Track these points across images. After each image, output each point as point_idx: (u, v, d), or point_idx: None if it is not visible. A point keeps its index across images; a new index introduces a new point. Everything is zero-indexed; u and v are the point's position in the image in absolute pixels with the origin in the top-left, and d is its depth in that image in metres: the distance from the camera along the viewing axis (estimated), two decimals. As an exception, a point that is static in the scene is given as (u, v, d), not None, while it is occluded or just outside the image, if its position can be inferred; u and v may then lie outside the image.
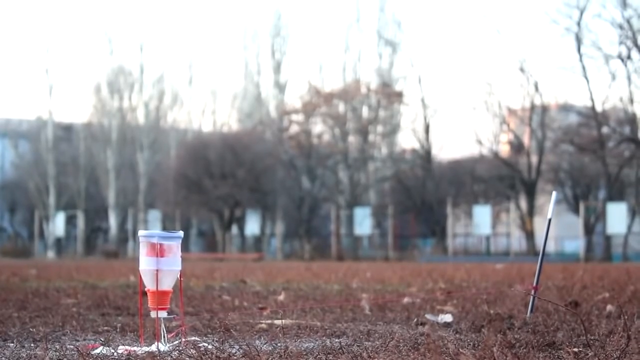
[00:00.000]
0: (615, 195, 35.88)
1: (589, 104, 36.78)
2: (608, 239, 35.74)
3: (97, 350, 2.22)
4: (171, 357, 2.09)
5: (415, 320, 2.93)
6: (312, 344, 2.44)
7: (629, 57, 35.59)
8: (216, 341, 2.36)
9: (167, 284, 2.29)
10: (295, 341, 2.51)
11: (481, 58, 59.97)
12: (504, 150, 40.63)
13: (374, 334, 2.69)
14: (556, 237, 40.46)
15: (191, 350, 2.10)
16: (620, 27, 35.40)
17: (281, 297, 4.68)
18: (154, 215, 41.74)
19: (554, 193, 2.97)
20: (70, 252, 43.60)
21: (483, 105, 40.05)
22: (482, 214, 36.10)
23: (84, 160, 45.80)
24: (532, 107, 38.30)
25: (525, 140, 39.32)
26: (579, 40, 35.81)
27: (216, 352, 2.09)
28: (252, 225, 40.71)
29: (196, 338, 2.44)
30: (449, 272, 10.41)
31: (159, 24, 65.25)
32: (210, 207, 38.79)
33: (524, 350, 2.18)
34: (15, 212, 50.31)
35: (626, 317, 2.59)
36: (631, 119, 36.47)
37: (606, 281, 7.02)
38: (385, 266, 16.68)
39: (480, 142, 39.17)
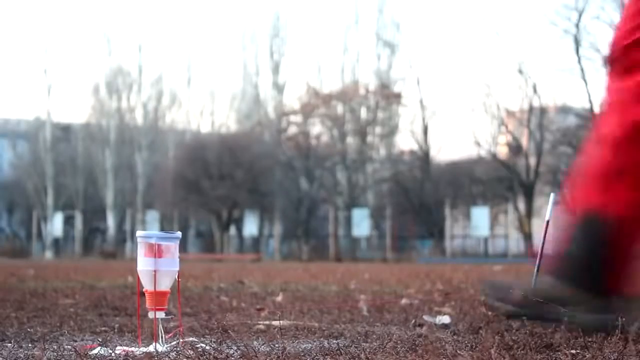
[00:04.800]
0: (613, 197, 35.90)
1: (588, 105, 36.83)
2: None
3: (95, 351, 2.22)
4: (169, 357, 2.09)
5: (413, 321, 2.94)
6: (310, 345, 2.44)
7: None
8: (214, 342, 2.36)
9: (165, 285, 2.29)
10: (293, 342, 2.51)
11: (479, 60, 60.06)
12: (502, 151, 40.67)
13: (372, 335, 2.69)
14: (554, 238, 40.39)
15: (189, 351, 2.10)
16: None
17: (279, 298, 4.69)
18: (152, 216, 41.74)
19: (552, 195, 2.98)
20: (68, 253, 43.60)
21: (481, 106, 40.16)
22: (480, 215, 36.12)
23: (82, 160, 45.80)
24: (531, 109, 38.34)
25: (524, 142, 39.37)
26: (577, 42, 35.86)
27: (214, 353, 2.09)
28: (250, 226, 40.73)
29: (194, 339, 2.44)
30: (447, 273, 10.42)
31: (157, 25, 65.29)
32: (209, 208, 38.81)
33: (522, 352, 2.19)
34: (13, 212, 50.30)
35: (624, 319, 2.59)
36: (629, 121, 36.47)
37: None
38: (384, 267, 16.69)
39: (478, 144, 39.21)
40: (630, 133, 2.55)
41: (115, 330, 2.87)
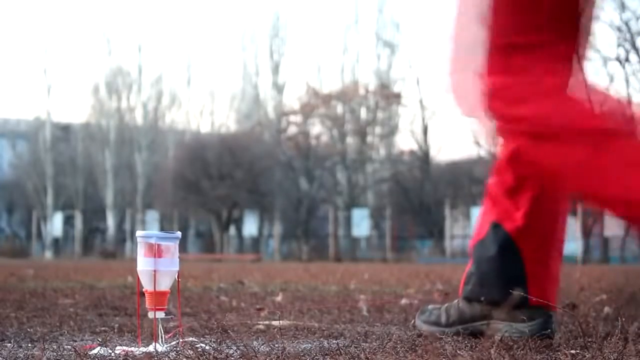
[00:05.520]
0: (613, 197, 35.88)
1: (587, 106, 36.79)
2: (606, 241, 35.76)
3: (95, 351, 2.22)
4: (168, 357, 2.09)
5: (413, 321, 2.94)
6: (310, 345, 2.44)
7: (627, 59, 35.63)
8: (214, 342, 2.36)
9: (165, 285, 2.28)
10: (292, 342, 2.51)
11: (479, 60, 59.87)
12: (502, 152, 40.61)
13: (372, 336, 2.69)
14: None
15: (189, 351, 2.10)
16: (619, 29, 35.46)
17: (279, 298, 4.69)
18: (152, 216, 41.74)
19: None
20: (68, 253, 43.60)
21: (481, 107, 39.94)
22: (480, 215, 36.09)
23: (82, 160, 45.79)
24: (530, 109, 38.32)
25: (524, 142, 39.34)
26: (577, 43, 35.81)
27: (214, 353, 2.09)
28: (250, 226, 40.72)
29: (194, 339, 2.44)
30: (447, 273, 10.43)
31: (157, 25, 65.31)
32: (208, 207, 38.80)
33: (522, 352, 2.19)
34: (13, 212, 50.31)
35: (624, 319, 2.59)
36: (629, 121, 36.49)
37: (604, 283, 7.03)
38: (383, 267, 16.69)
39: (478, 144, 39.21)
40: (508, 158, 2.74)
41: (115, 330, 2.87)
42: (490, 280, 2.69)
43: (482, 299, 2.69)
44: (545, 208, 2.70)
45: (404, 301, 4.49)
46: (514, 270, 2.65)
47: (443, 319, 2.77)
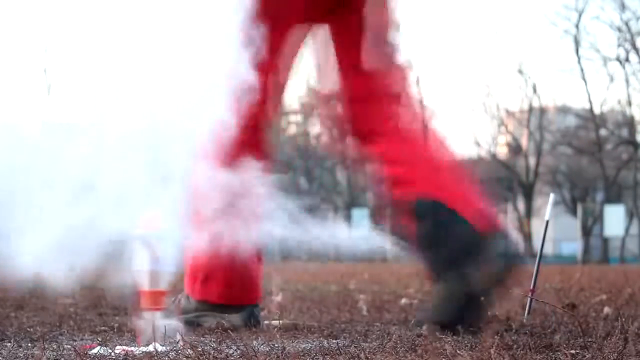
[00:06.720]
0: (613, 197, 35.91)
1: (587, 106, 36.82)
2: (605, 241, 35.76)
3: (95, 350, 2.22)
4: (168, 357, 2.09)
5: (413, 321, 2.94)
6: (310, 344, 2.44)
7: (627, 59, 35.64)
8: (214, 342, 2.36)
9: (163, 284, 2.29)
10: (292, 342, 2.51)
11: (479, 60, 60.03)
12: (502, 152, 40.66)
13: (372, 335, 2.69)
14: (553, 239, 40.47)
15: (188, 350, 2.10)
16: (619, 29, 35.46)
17: (279, 298, 4.69)
18: (152, 216, 41.80)
19: (552, 195, 2.99)
20: (68, 252, 43.66)
21: (481, 106, 40.11)
22: (480, 215, 36.09)
23: (82, 160, 45.89)
24: (531, 109, 38.34)
25: (523, 142, 39.37)
26: (577, 43, 35.86)
27: (214, 352, 2.09)
28: (250, 226, 40.76)
29: (193, 338, 2.44)
30: (447, 273, 10.36)
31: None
32: (208, 207, 38.84)
33: (522, 352, 2.19)
34: (12, 212, 50.41)
35: (623, 319, 2.59)
36: (629, 122, 36.53)
37: (603, 283, 7.03)
38: (383, 267, 16.69)
39: (478, 144, 39.22)
40: None
41: (115, 330, 2.87)
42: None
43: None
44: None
45: (404, 301, 4.49)
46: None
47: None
